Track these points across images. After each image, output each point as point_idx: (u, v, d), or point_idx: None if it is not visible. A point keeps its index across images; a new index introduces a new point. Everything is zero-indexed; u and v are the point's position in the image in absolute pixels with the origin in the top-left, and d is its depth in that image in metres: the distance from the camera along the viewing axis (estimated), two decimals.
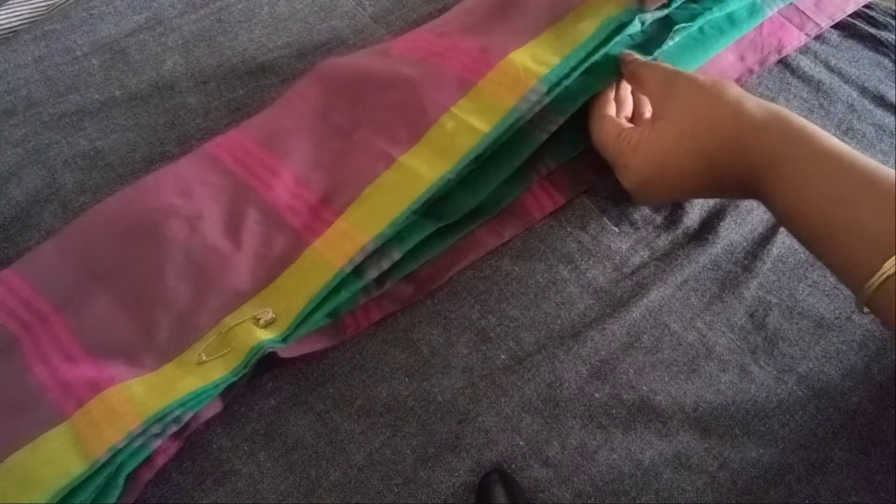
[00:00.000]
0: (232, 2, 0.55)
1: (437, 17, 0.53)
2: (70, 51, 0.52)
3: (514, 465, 0.37)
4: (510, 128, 0.41)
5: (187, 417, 0.35)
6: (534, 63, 0.42)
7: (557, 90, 0.41)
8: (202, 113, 0.49)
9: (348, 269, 0.38)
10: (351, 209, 0.41)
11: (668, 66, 0.41)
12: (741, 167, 0.35)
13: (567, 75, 0.41)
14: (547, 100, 0.41)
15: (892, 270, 0.28)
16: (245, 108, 0.49)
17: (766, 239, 0.45)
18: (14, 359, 0.37)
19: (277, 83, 0.51)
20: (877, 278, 0.29)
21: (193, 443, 0.37)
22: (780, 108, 0.35)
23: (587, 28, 0.43)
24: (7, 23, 0.53)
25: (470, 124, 0.41)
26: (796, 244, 0.45)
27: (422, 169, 0.41)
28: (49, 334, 0.38)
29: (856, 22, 0.56)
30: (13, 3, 0.54)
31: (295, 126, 0.46)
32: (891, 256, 0.28)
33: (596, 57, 0.42)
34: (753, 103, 0.35)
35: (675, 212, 0.46)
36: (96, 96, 0.50)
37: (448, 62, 0.45)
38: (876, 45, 0.55)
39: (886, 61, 0.54)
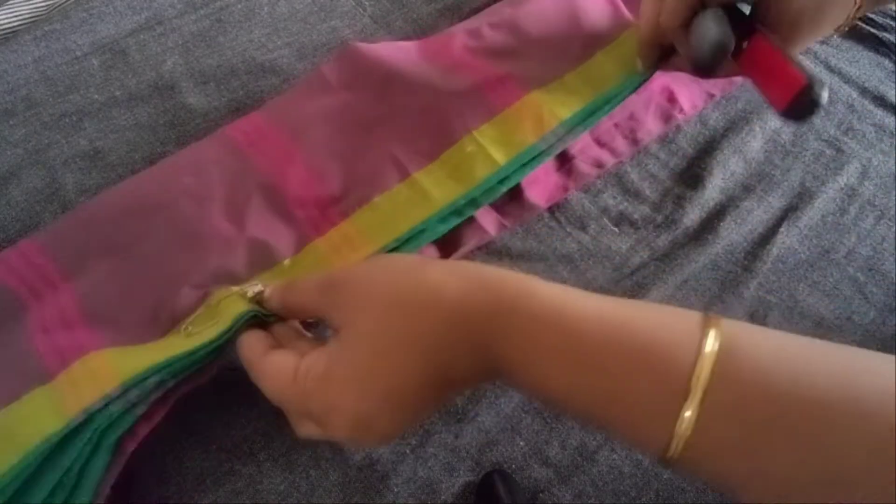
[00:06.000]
0: (232, 2, 0.55)
1: (456, 22, 0.53)
2: (70, 51, 0.52)
3: (514, 465, 0.37)
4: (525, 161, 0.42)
5: (170, 384, 0.33)
6: (557, 106, 0.44)
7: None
8: (202, 113, 0.49)
9: None
10: (358, 214, 0.42)
11: (306, 277, 0.32)
12: (468, 350, 0.26)
13: (583, 120, 0.43)
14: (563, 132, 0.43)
15: (688, 431, 0.22)
16: (245, 109, 0.49)
17: (766, 239, 0.45)
18: (19, 325, 0.38)
19: (277, 83, 0.51)
20: (673, 449, 0.23)
21: (193, 442, 0.37)
22: (484, 272, 0.27)
23: (609, 73, 0.45)
24: (7, 23, 0.53)
25: (489, 154, 0.43)
26: (796, 244, 0.45)
27: (434, 191, 0.42)
28: (54, 302, 0.38)
29: (856, 22, 0.56)
30: (13, 3, 0.54)
31: (315, 112, 0.46)
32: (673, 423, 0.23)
33: (611, 107, 0.43)
34: (443, 276, 0.27)
35: (675, 212, 0.46)
36: (96, 96, 0.50)
37: (475, 79, 0.46)
38: (876, 45, 0.55)
39: (886, 61, 0.54)
